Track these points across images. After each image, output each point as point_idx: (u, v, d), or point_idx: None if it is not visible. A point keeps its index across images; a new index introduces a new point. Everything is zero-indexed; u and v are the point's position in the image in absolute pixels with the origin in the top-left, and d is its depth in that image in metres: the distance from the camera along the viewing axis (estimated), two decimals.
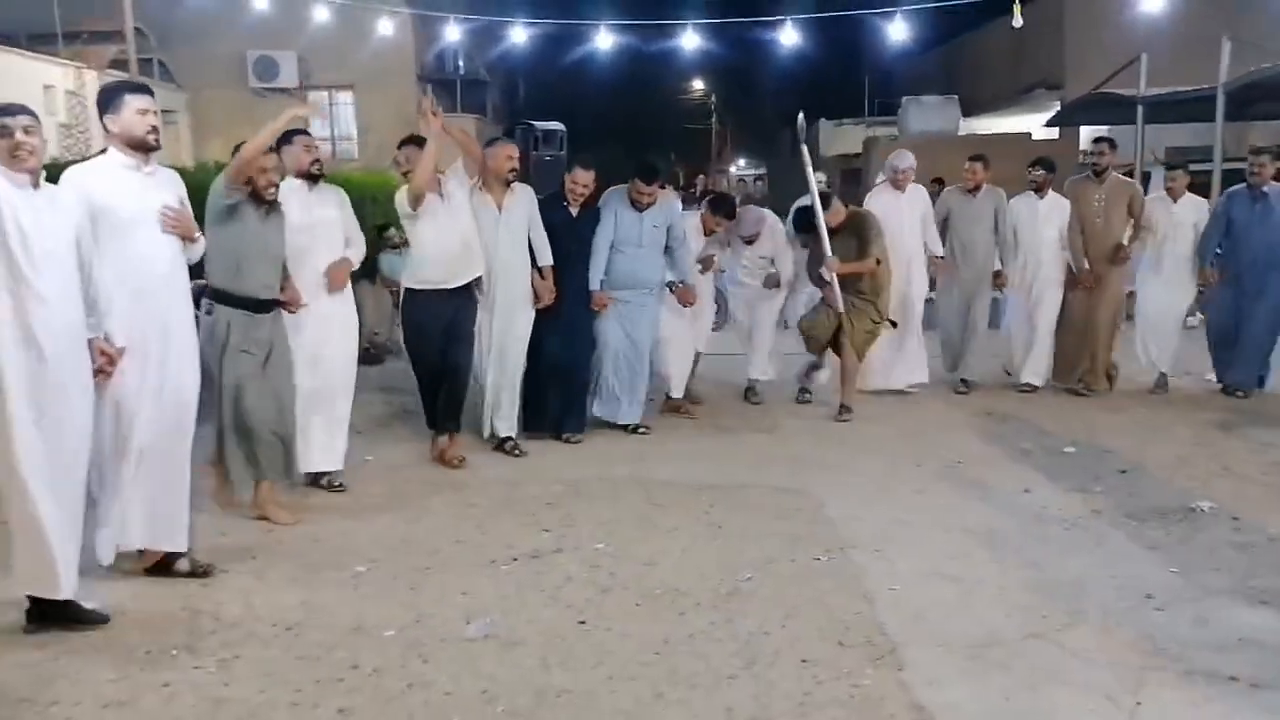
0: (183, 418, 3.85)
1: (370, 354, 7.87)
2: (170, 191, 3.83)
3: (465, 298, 5.44)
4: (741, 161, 44.88)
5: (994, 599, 3.75)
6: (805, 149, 6.61)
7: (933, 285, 7.45)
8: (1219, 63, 10.87)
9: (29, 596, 3.43)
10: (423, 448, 5.69)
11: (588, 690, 3.10)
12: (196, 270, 4.08)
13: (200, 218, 4.06)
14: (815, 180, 6.55)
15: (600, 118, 36.47)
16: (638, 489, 5.11)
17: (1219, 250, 7.08)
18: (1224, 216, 7.06)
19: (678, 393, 6.61)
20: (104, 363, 3.52)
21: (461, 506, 4.84)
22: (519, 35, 14.46)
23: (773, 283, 6.79)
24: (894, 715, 2.95)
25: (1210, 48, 11.17)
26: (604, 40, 13.67)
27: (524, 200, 5.65)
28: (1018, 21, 11.36)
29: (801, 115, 6.99)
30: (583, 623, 3.56)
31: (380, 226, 8.57)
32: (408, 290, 5.48)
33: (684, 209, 6.99)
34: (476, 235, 5.44)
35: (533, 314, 5.73)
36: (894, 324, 6.81)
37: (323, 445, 4.92)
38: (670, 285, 6.27)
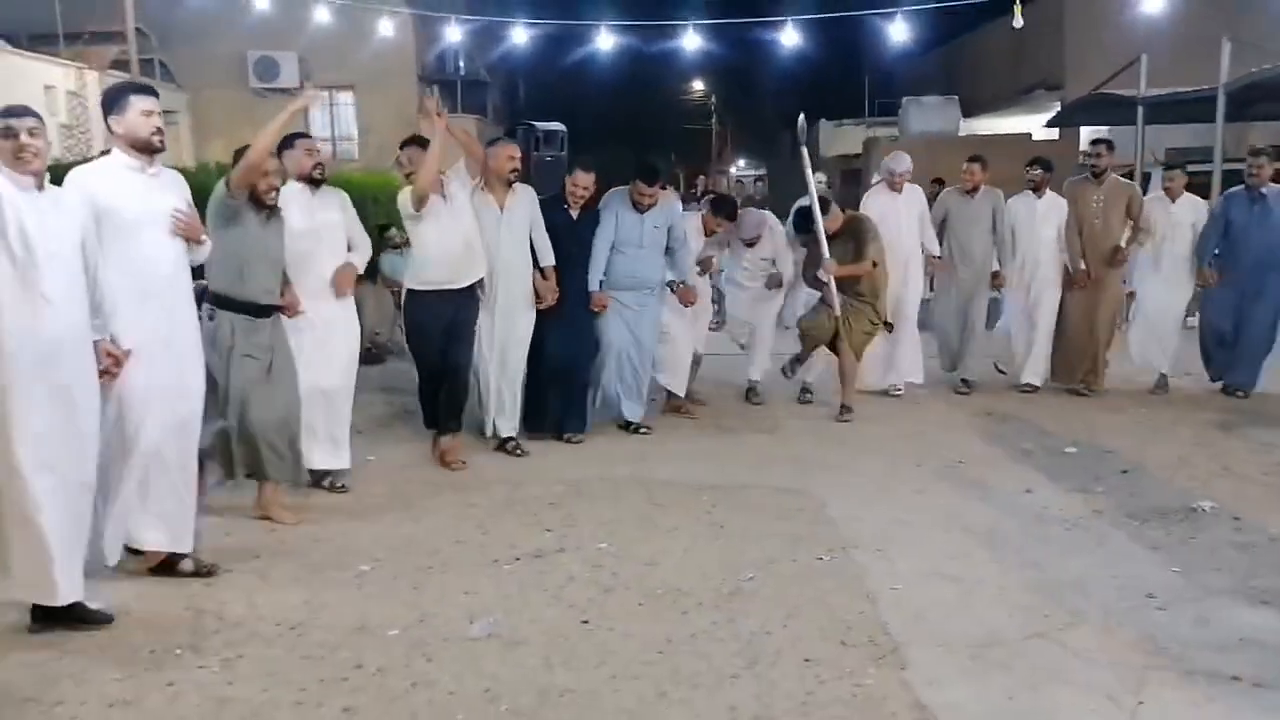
0: (189, 419, 3.87)
1: (372, 354, 7.88)
2: (174, 193, 3.84)
3: (467, 298, 5.45)
4: (741, 162, 44.88)
5: (995, 599, 3.76)
6: (805, 151, 6.62)
7: (932, 285, 7.47)
8: (1219, 63, 10.87)
9: None
10: (424, 448, 5.70)
11: (590, 690, 3.11)
12: (197, 272, 4.08)
13: (202, 219, 4.07)
14: (815, 182, 6.56)
15: (601, 118, 36.47)
16: (639, 489, 5.11)
17: (1217, 251, 7.08)
18: (1222, 217, 7.07)
19: (679, 391, 6.62)
20: (110, 364, 3.52)
21: (463, 506, 4.85)
22: (520, 36, 14.45)
23: (775, 283, 6.81)
24: (896, 714, 2.96)
25: (1210, 48, 11.17)
26: (604, 41, 13.66)
27: (525, 201, 5.66)
28: (1018, 22, 11.35)
29: (802, 117, 7.00)
30: (585, 622, 3.57)
31: (381, 227, 8.58)
32: (410, 291, 5.48)
33: (685, 209, 7.01)
34: (479, 236, 5.45)
35: (534, 315, 5.74)
36: (890, 326, 6.82)
37: (325, 446, 4.92)
38: (671, 285, 6.28)
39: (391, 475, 5.34)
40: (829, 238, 6.44)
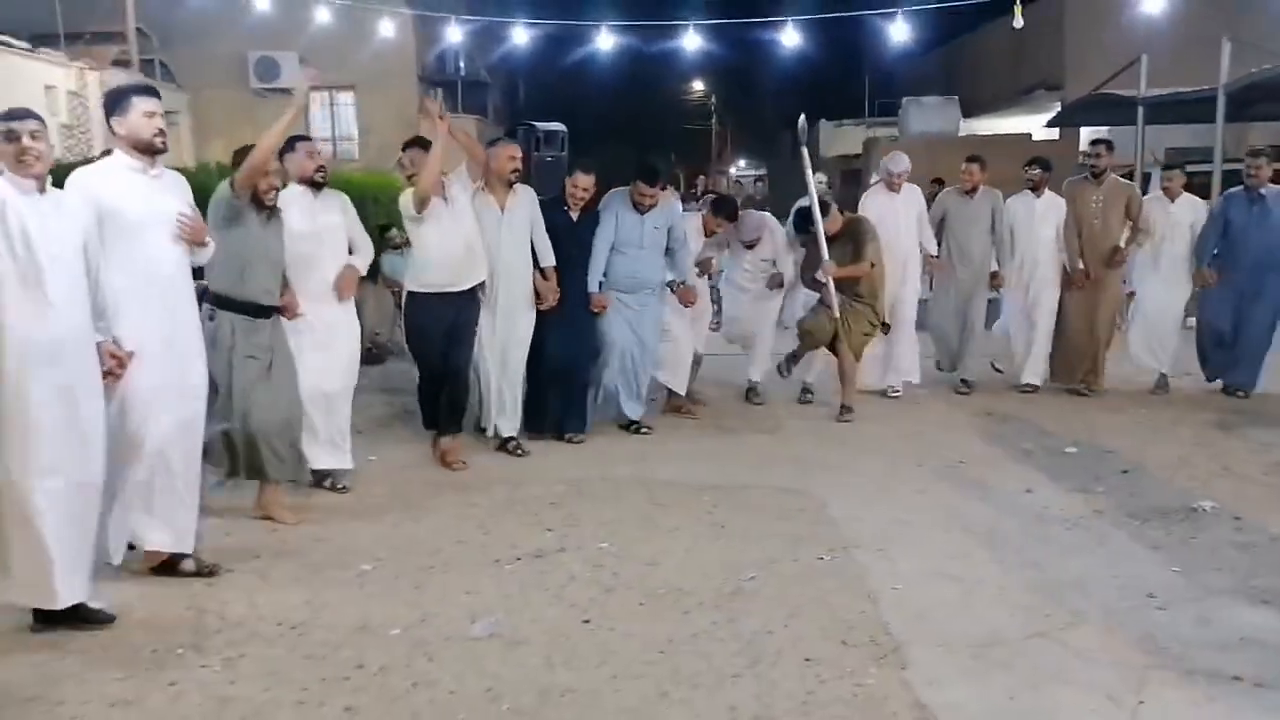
0: (192, 419, 3.87)
1: (372, 354, 7.88)
2: (176, 194, 3.84)
3: (468, 300, 5.44)
4: (741, 162, 44.89)
5: (996, 599, 3.77)
6: (805, 152, 6.63)
7: (931, 285, 7.46)
8: (1219, 63, 10.88)
9: None
10: (425, 448, 5.70)
11: (592, 689, 3.11)
12: (197, 272, 4.09)
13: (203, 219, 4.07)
14: (815, 183, 6.57)
15: (601, 118, 36.50)
16: (640, 489, 5.12)
17: (1216, 251, 7.08)
18: (1221, 218, 7.06)
19: (680, 389, 6.62)
20: (113, 366, 3.52)
21: (464, 506, 4.86)
22: (520, 36, 14.46)
23: (776, 283, 6.81)
24: (897, 714, 2.97)
25: (1210, 48, 11.18)
26: (605, 41, 13.67)
27: (526, 201, 5.66)
28: (1018, 22, 11.36)
29: (803, 117, 7.00)
30: (587, 622, 3.58)
31: (382, 227, 8.57)
32: (410, 293, 5.48)
33: (685, 209, 7.01)
34: (480, 239, 5.44)
35: (534, 316, 5.74)
36: (887, 327, 6.82)
37: (327, 447, 4.93)
38: (670, 286, 6.29)
39: (392, 475, 5.35)
40: (828, 240, 6.45)
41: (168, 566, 3.92)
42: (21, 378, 3.24)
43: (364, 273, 5.05)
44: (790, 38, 13.00)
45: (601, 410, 6.27)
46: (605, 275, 6.02)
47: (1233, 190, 7.30)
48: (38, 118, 3.33)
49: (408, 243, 5.82)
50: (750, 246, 6.82)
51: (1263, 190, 6.93)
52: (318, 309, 4.71)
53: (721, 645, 3.38)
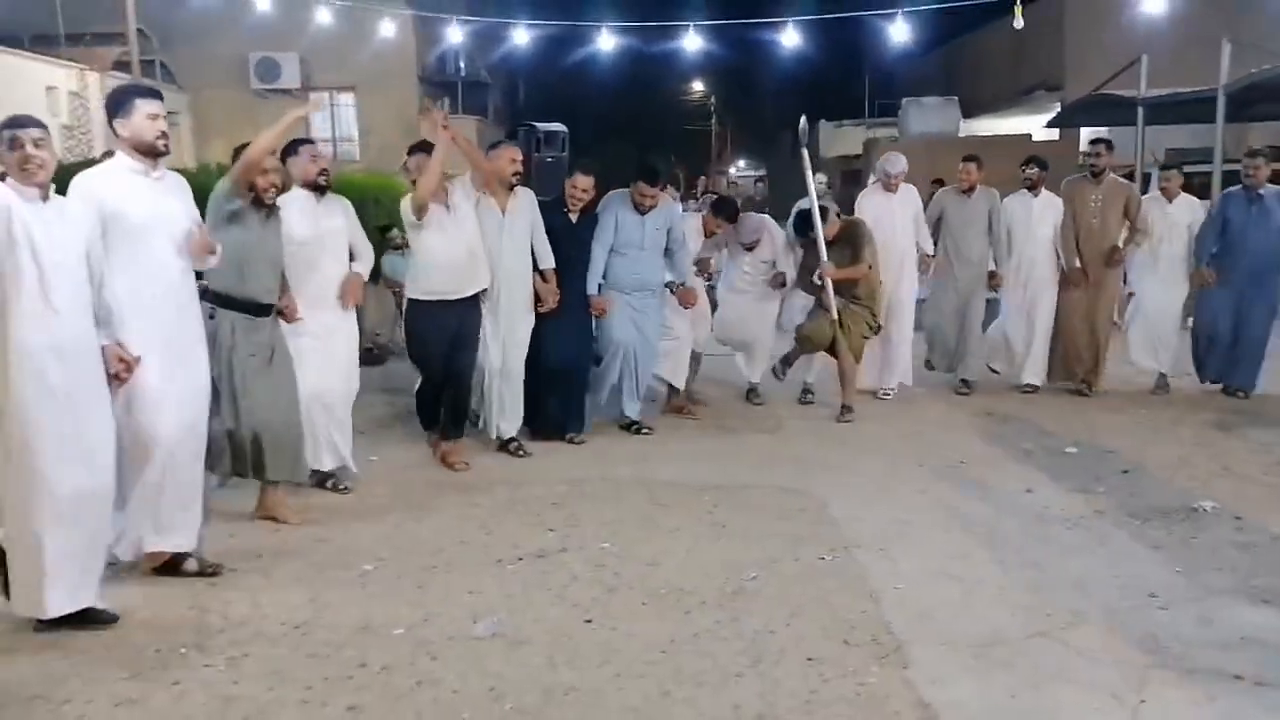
0: (197, 420, 3.88)
1: (372, 354, 7.90)
2: (178, 196, 3.85)
3: (470, 306, 5.43)
4: (741, 163, 44.92)
5: (997, 598, 3.78)
6: (805, 153, 6.63)
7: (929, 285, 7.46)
8: (1219, 63, 10.89)
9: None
10: (426, 448, 5.71)
11: (595, 688, 3.12)
12: (197, 271, 4.09)
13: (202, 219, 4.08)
14: (815, 184, 6.57)
15: (602, 119, 36.53)
16: (641, 489, 5.13)
17: (1214, 251, 7.09)
18: (1220, 217, 7.07)
19: (679, 384, 6.62)
20: (121, 369, 3.53)
21: (466, 506, 4.86)
22: (520, 37, 14.49)
23: (779, 282, 6.80)
24: (899, 713, 2.98)
25: (1210, 49, 11.19)
26: (605, 42, 13.70)
27: (526, 205, 5.65)
28: (1018, 23, 11.38)
29: (804, 119, 7.00)
30: (589, 621, 3.58)
31: (383, 227, 8.60)
32: (412, 300, 5.44)
33: (685, 210, 7.00)
34: (482, 246, 5.44)
35: (533, 319, 5.74)
36: (879, 328, 6.81)
37: (328, 448, 4.93)
38: (670, 287, 6.29)
39: (394, 476, 5.35)
40: (827, 243, 6.46)
41: (170, 566, 3.93)
42: (25, 385, 3.25)
43: (366, 278, 5.06)
44: (790, 38, 13.03)
45: (607, 409, 6.27)
46: (605, 277, 6.02)
47: (1231, 189, 7.30)
48: (41, 125, 3.33)
49: (408, 243, 5.82)
50: (750, 248, 6.82)
51: (1261, 190, 6.94)
52: (316, 313, 4.71)
53: (724, 644, 3.39)
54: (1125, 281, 7.51)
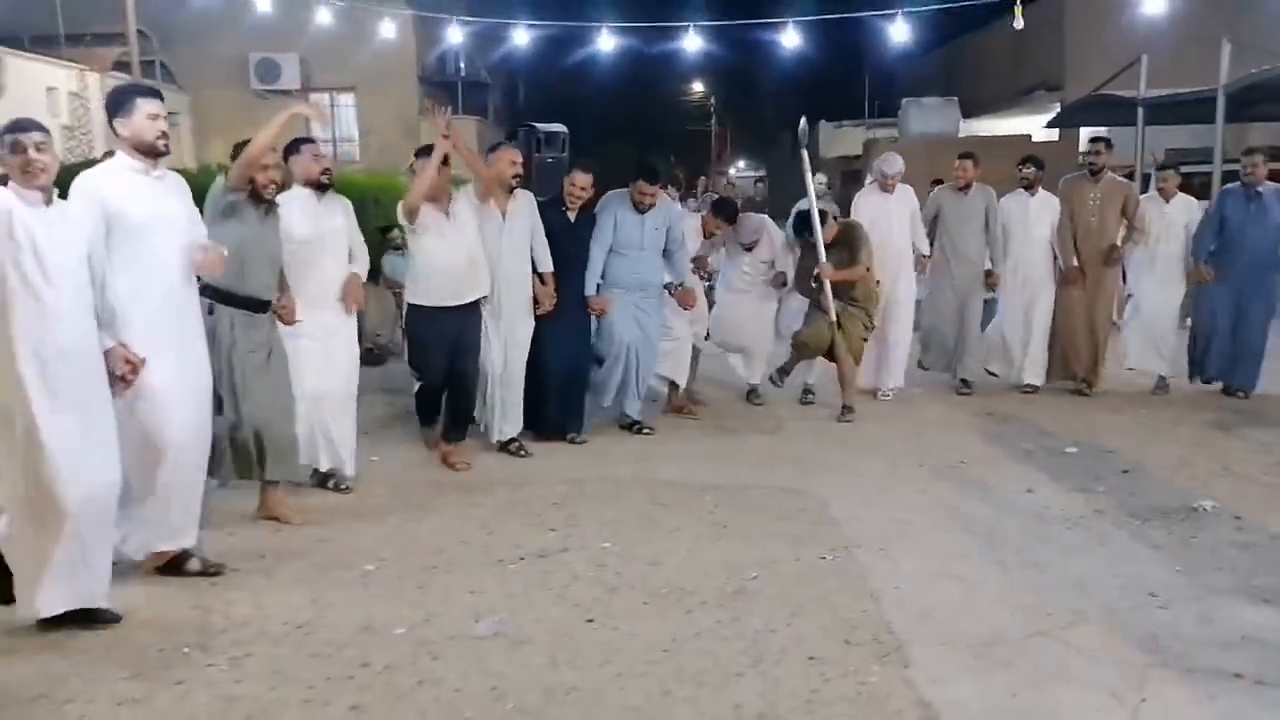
0: (203, 417, 3.89)
1: (373, 355, 7.90)
2: (178, 196, 3.85)
3: (470, 311, 5.43)
4: (741, 163, 44.93)
5: (998, 598, 3.78)
6: (805, 155, 6.63)
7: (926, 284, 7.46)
8: (1219, 64, 10.90)
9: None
10: (426, 449, 5.71)
11: (596, 688, 3.13)
12: None
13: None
14: (815, 185, 6.58)
15: (602, 119, 36.55)
16: (642, 489, 5.13)
17: (1213, 249, 7.09)
18: (1218, 215, 7.07)
19: (681, 380, 6.62)
20: (126, 370, 3.53)
21: (467, 506, 4.87)
22: (520, 37, 14.50)
23: (779, 281, 6.81)
24: (900, 712, 2.98)
25: (1210, 49, 11.21)
26: (605, 42, 13.70)
27: (526, 207, 5.65)
28: (1018, 23, 11.39)
29: (804, 120, 7.00)
30: (590, 621, 3.59)
31: (383, 228, 8.61)
32: (413, 306, 5.44)
33: (687, 209, 6.99)
34: (483, 252, 5.43)
35: (533, 321, 5.75)
36: (873, 328, 6.80)
37: (329, 449, 4.93)
38: (669, 287, 6.29)
39: (395, 476, 5.36)
40: (826, 246, 6.47)
41: (173, 566, 3.93)
42: (29, 387, 3.25)
43: (364, 279, 5.06)
44: (790, 39, 13.04)
45: (610, 409, 6.27)
46: (605, 278, 6.02)
47: (1229, 186, 7.31)
48: (43, 129, 3.34)
49: (408, 245, 5.81)
50: (749, 248, 6.82)
51: (1260, 187, 6.95)
52: (316, 314, 4.71)
53: (725, 644, 3.40)
54: (1125, 282, 7.51)
